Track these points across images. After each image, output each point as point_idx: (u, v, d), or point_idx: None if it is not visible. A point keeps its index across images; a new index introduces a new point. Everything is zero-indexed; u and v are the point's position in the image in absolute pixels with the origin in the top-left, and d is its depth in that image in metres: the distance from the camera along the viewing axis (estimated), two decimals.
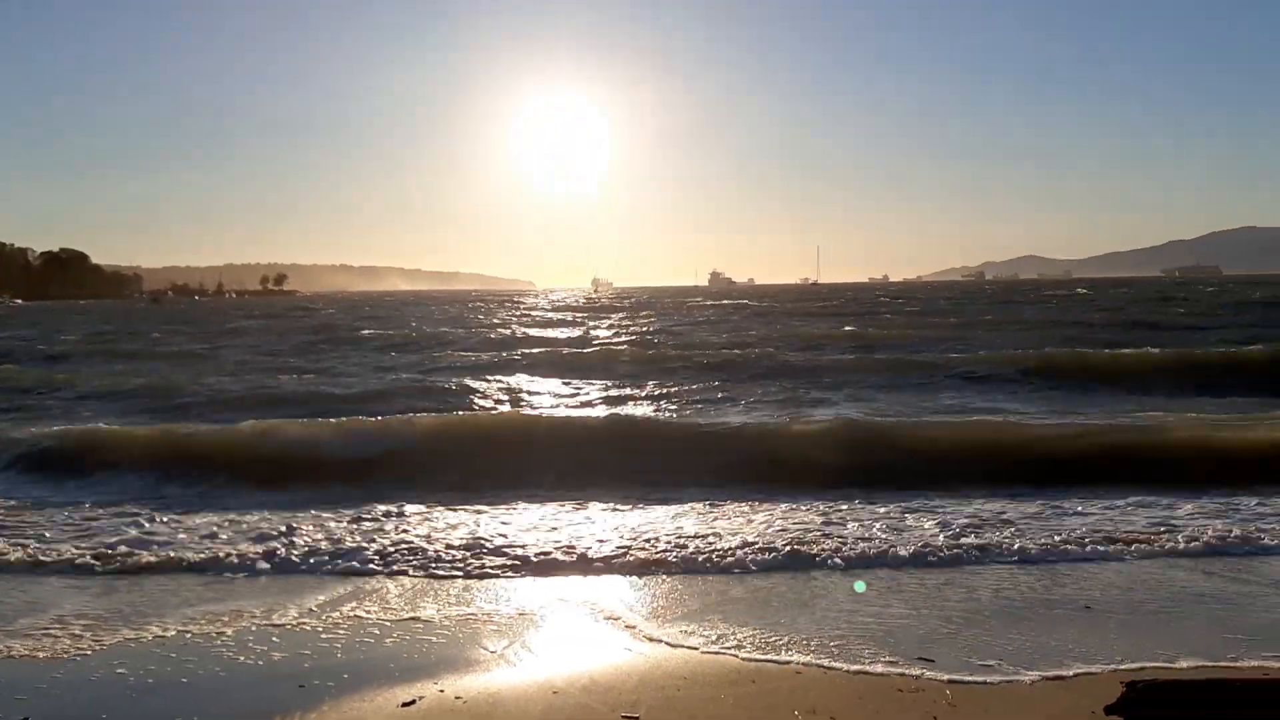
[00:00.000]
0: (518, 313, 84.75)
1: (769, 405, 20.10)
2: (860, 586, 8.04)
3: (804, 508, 10.88)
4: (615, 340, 42.26)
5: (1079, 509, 10.73)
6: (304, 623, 7.37)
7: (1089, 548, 9.18)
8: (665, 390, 23.12)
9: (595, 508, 11.14)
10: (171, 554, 9.24)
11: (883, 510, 10.72)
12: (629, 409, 19.83)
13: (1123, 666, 6.17)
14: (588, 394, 22.99)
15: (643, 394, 22.76)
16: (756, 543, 9.29)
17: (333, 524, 10.37)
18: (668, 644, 6.79)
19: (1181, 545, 9.20)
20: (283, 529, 10.07)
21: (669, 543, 9.41)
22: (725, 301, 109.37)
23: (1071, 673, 6.14)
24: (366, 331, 50.89)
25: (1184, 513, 10.45)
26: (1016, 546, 9.21)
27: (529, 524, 10.39)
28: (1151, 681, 5.13)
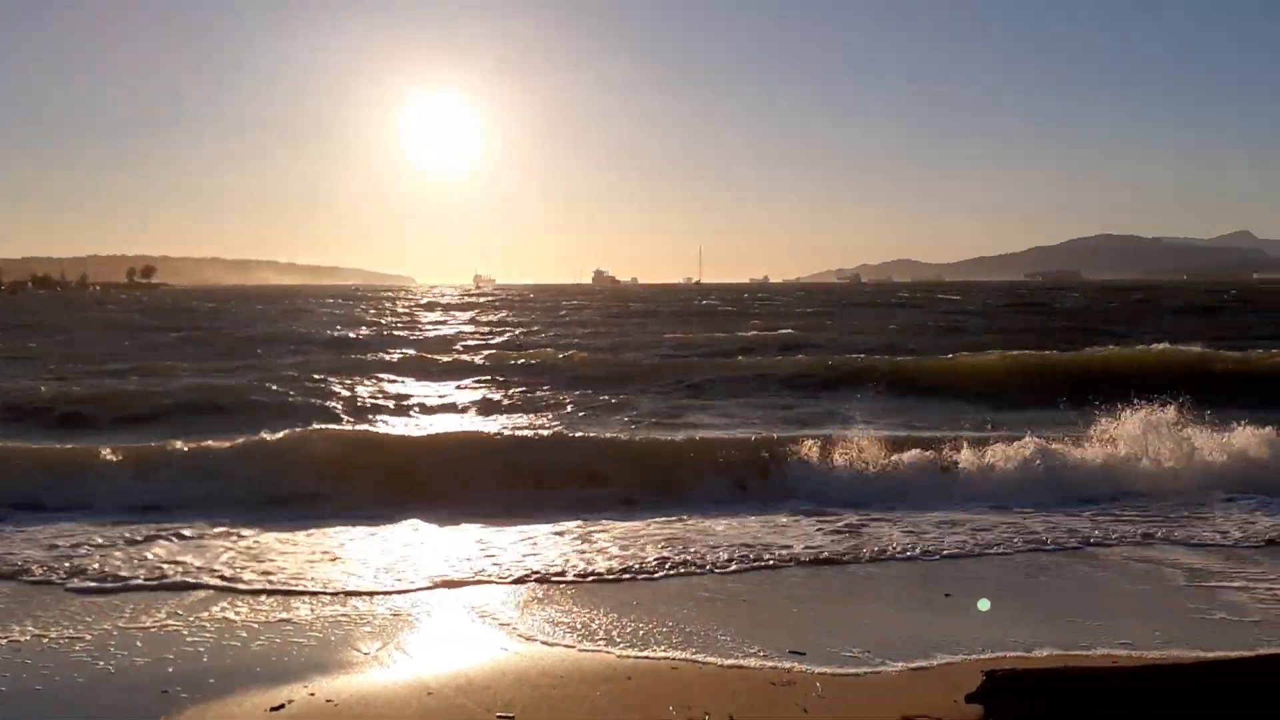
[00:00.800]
0: (386, 309, 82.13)
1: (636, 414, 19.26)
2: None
3: (676, 517, 10.79)
4: (476, 343, 41.20)
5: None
6: (168, 625, 7.13)
7: (947, 542, 9.52)
8: (523, 398, 21.50)
9: (461, 519, 10.76)
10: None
11: (754, 519, 10.74)
12: (485, 418, 19.02)
13: (983, 656, 6.41)
14: (441, 400, 21.35)
15: (503, 401, 21.20)
16: (636, 545, 9.33)
17: (186, 531, 10.04)
18: (544, 643, 6.79)
19: (1019, 543, 9.63)
20: (139, 538, 9.71)
21: (547, 548, 9.38)
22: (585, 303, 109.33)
23: (935, 662, 6.35)
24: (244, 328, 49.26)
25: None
26: (886, 543, 9.48)
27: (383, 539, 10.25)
28: (1009, 671, 5.34)
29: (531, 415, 19.16)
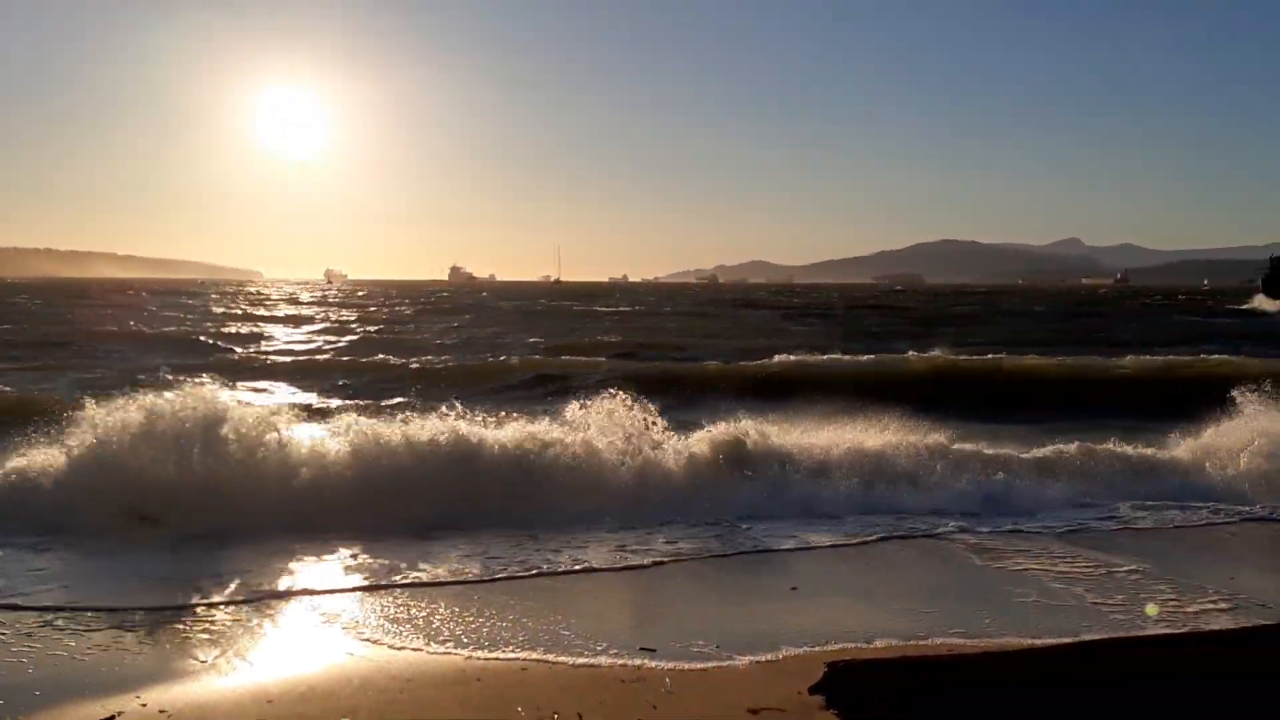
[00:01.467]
0: (221, 305, 77.59)
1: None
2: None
3: (525, 515, 10.64)
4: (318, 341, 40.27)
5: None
6: None
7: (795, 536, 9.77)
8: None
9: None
10: None
11: (606, 518, 10.71)
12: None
13: (827, 648, 6.58)
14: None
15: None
16: (481, 550, 9.22)
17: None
18: (390, 646, 6.65)
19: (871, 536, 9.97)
20: None
21: (394, 553, 9.17)
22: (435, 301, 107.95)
23: (781, 655, 6.49)
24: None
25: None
26: (734, 538, 9.66)
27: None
28: (850, 662, 5.50)
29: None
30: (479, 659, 6.41)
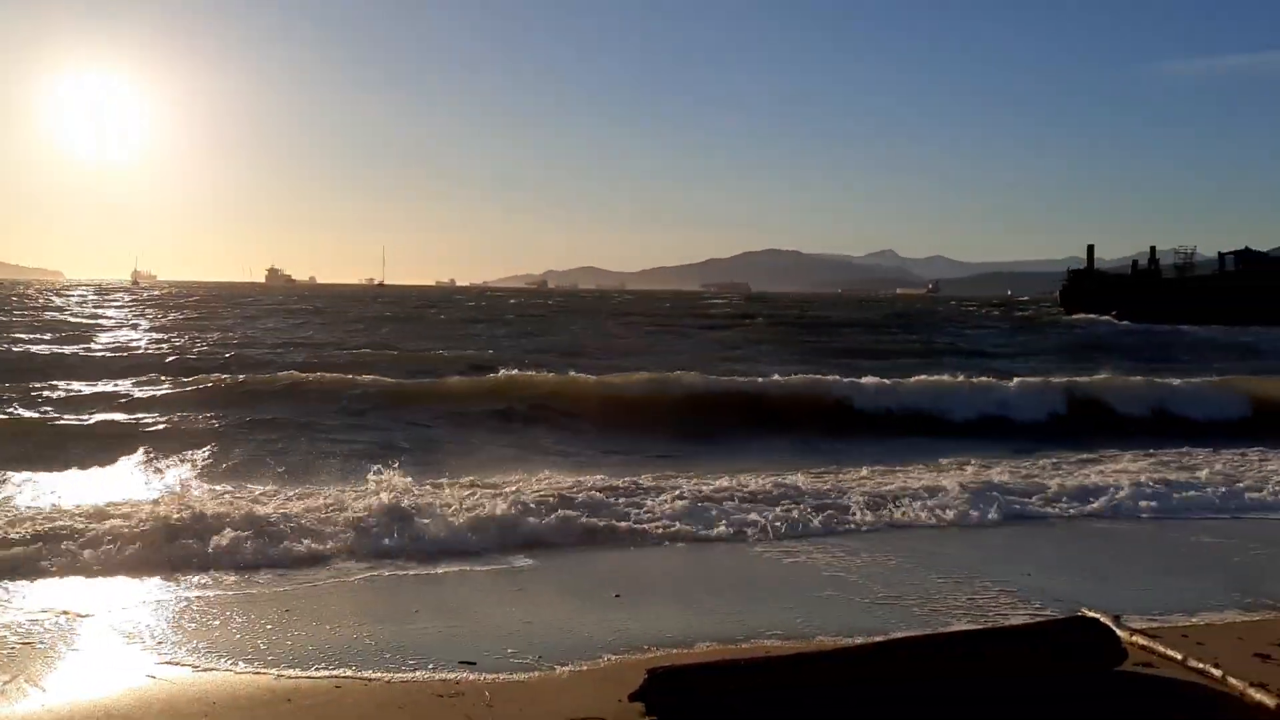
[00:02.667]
0: None
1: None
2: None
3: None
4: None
5: None
6: None
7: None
8: None
9: None
10: None
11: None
12: None
13: (648, 654, 6.63)
14: None
15: None
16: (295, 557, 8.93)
17: None
18: (195, 667, 6.33)
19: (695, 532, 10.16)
20: None
21: (197, 561, 8.77)
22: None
23: (603, 663, 6.50)
24: None
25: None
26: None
27: None
28: (670, 667, 5.54)
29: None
30: (289, 678, 6.17)
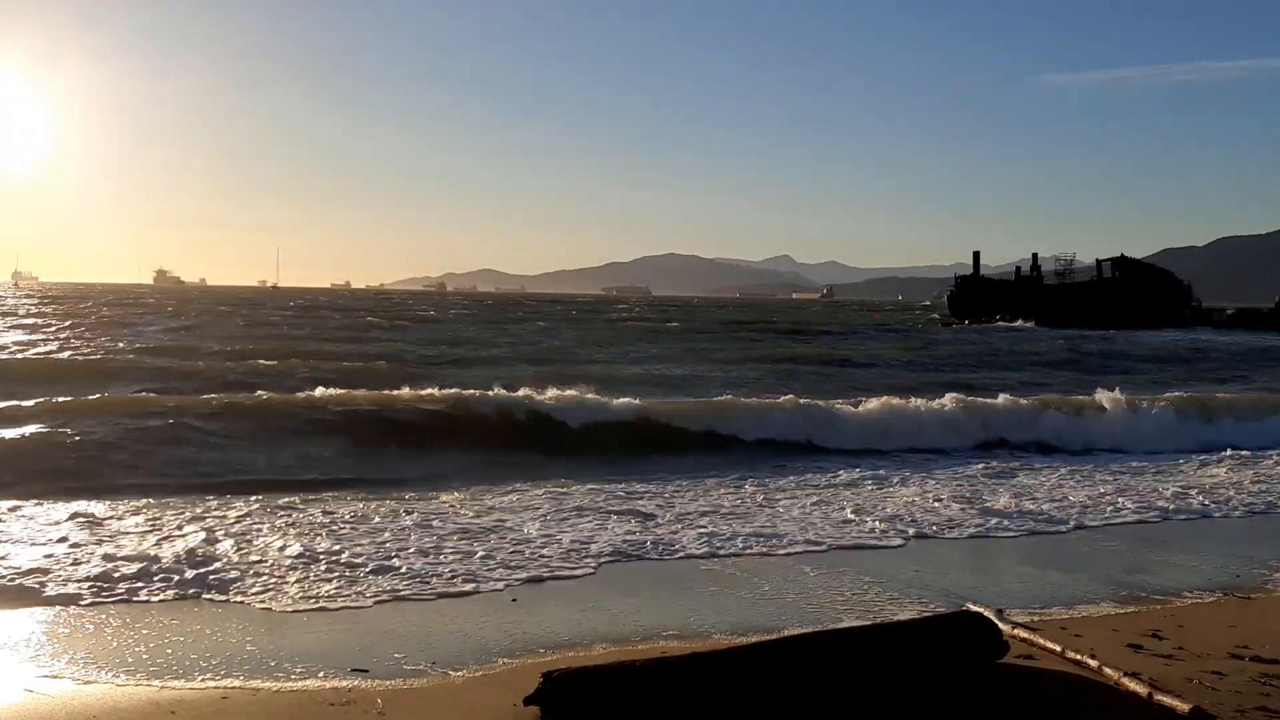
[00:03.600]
0: None
1: None
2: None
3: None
4: None
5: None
6: None
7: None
8: None
9: None
10: None
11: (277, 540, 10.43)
12: None
13: (545, 657, 6.61)
14: None
15: None
16: (165, 568, 8.64)
17: None
18: (76, 680, 6.09)
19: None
20: None
21: (70, 573, 8.43)
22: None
23: (499, 668, 6.46)
24: None
25: None
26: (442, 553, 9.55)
27: None
28: (565, 671, 5.52)
29: None
30: (174, 689, 5.98)
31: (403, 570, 8.75)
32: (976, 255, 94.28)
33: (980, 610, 6.79)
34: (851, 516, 11.51)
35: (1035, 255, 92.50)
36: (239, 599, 7.91)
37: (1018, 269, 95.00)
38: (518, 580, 8.65)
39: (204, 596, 7.96)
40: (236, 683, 6.11)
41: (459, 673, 6.35)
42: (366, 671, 6.31)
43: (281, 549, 9.26)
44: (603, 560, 9.42)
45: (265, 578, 8.42)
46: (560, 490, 12.68)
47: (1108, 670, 5.95)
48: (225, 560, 8.84)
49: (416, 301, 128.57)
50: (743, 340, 52.51)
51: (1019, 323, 76.35)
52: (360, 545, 9.52)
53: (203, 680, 6.14)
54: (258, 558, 8.98)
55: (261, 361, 27.69)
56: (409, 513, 11.01)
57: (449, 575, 8.67)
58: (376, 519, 10.66)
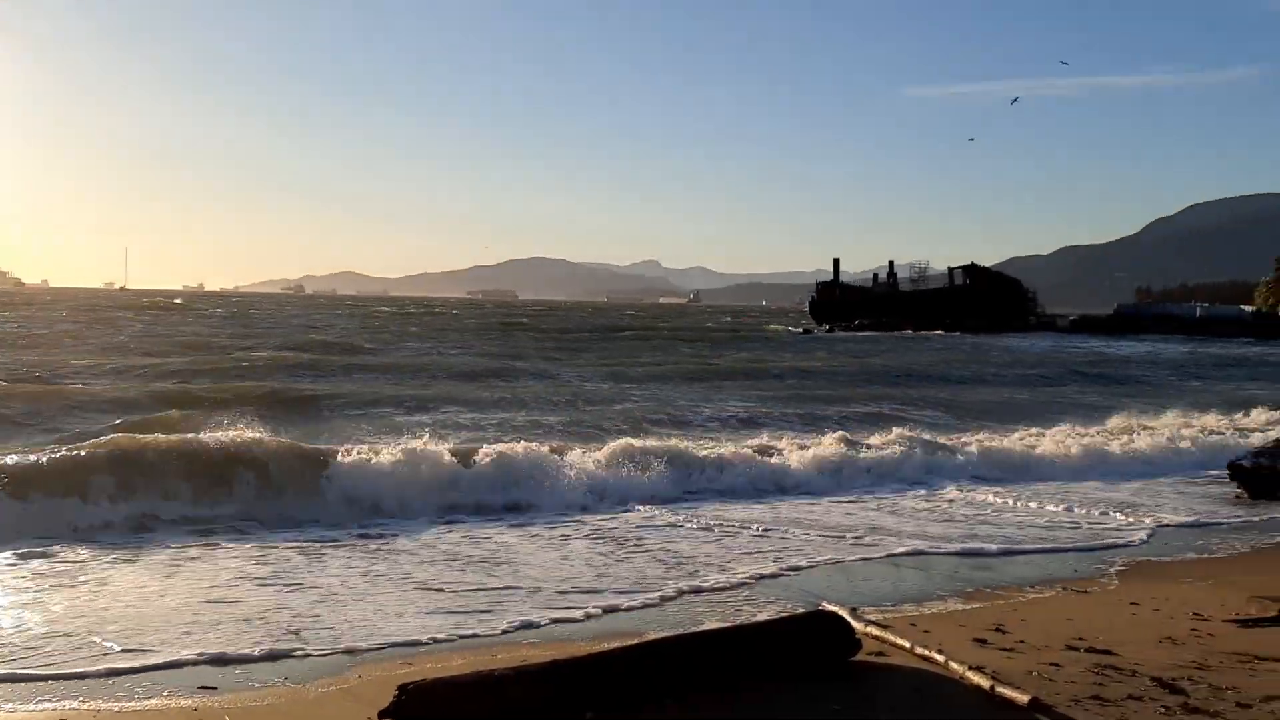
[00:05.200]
0: None
1: None
2: None
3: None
4: None
5: None
6: None
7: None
8: None
9: None
10: None
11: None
12: None
13: (400, 670, 6.47)
14: None
15: None
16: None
17: None
18: None
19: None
20: None
21: None
22: None
23: (353, 680, 6.31)
24: None
25: None
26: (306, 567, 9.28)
27: None
28: (421, 683, 5.43)
29: None
30: (6, 712, 5.66)
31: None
32: (836, 262, 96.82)
33: (835, 609, 6.97)
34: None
35: (892, 263, 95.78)
36: None
37: (875, 276, 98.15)
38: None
39: None
40: (75, 704, 5.82)
41: (314, 686, 6.19)
42: (214, 689, 6.09)
43: None
44: None
45: None
46: None
47: (954, 665, 6.17)
48: None
49: (276, 305, 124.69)
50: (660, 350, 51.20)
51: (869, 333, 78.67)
52: None
53: (38, 704, 5.83)
54: None
55: None
56: None
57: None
58: None
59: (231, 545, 9.94)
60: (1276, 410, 24.76)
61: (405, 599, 8.26)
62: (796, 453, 15.46)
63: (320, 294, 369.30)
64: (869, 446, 16.41)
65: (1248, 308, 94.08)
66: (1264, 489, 14.44)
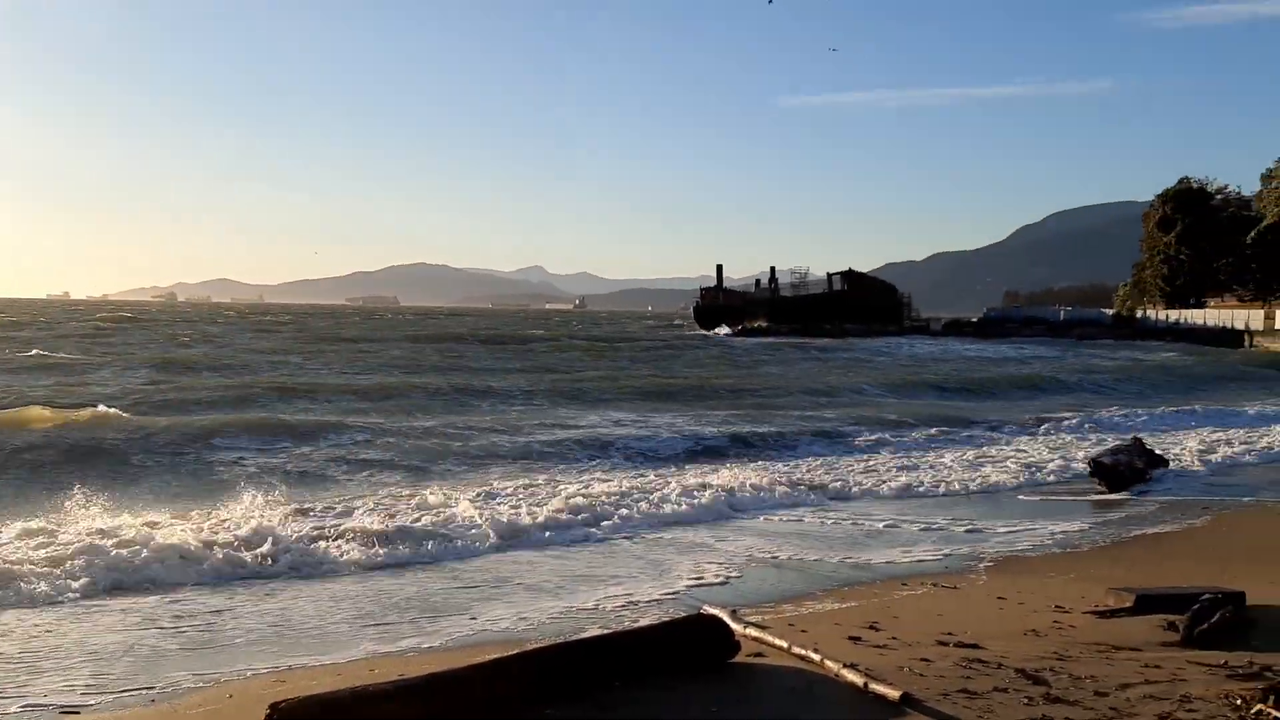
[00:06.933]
0: None
1: None
2: None
3: None
4: None
5: None
6: None
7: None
8: None
9: None
10: None
11: None
12: None
13: (275, 687, 6.31)
14: None
15: None
16: None
17: None
18: None
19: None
20: None
21: None
22: None
23: (225, 703, 6.13)
24: None
25: None
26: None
27: None
28: (292, 700, 5.30)
29: None
30: None
31: None
32: (719, 268, 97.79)
33: (715, 612, 7.05)
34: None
35: (773, 269, 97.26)
36: None
37: (757, 281, 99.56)
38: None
39: None
40: None
41: (185, 704, 5.99)
42: (77, 712, 5.85)
43: None
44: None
45: None
46: None
47: (829, 663, 6.30)
48: None
49: (140, 314, 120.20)
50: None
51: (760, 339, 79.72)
52: None
53: None
54: None
55: None
56: None
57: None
58: None
59: None
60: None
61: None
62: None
63: (193, 302, 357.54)
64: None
65: (1108, 311, 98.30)
66: (1121, 483, 15.17)
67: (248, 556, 9.71)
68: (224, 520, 10.94)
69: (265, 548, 9.86)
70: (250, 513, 11.21)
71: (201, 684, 6.43)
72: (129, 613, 8.12)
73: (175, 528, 10.46)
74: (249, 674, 6.67)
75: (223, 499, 12.13)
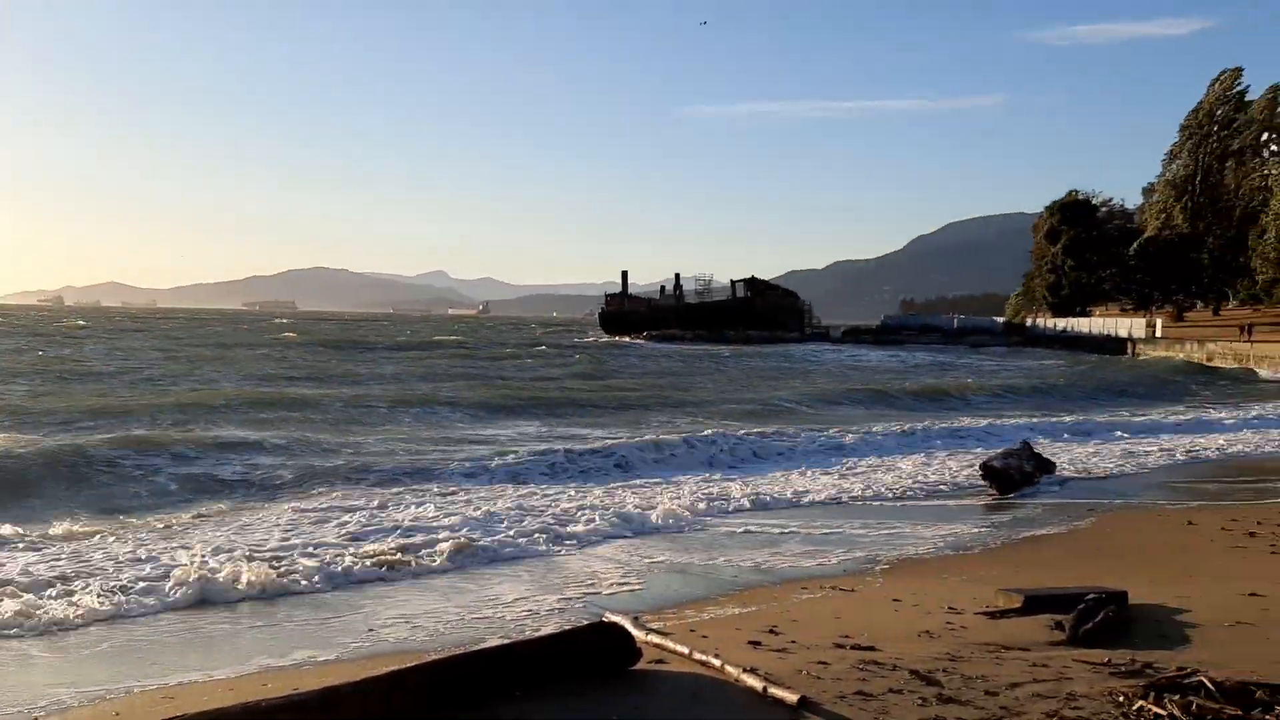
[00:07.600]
0: None
1: None
2: None
3: None
4: None
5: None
6: None
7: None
8: None
9: None
10: None
11: None
12: None
13: (160, 706, 6.12)
14: None
15: None
16: None
17: None
18: None
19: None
20: None
21: None
22: None
23: (113, 715, 5.93)
24: None
25: None
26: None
27: None
28: (186, 716, 5.15)
29: None
30: None
31: None
32: (625, 275, 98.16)
33: (616, 619, 7.04)
34: None
35: (678, 275, 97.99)
36: None
37: (662, 288, 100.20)
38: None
39: None
40: None
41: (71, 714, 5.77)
42: None
43: None
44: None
45: None
46: None
47: (729, 669, 6.34)
48: None
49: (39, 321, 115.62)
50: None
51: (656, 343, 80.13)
52: None
53: None
54: None
55: None
56: None
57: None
58: None
59: None
60: None
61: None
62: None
63: (81, 306, 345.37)
64: None
65: (999, 319, 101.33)
66: (1011, 486, 15.64)
67: None
68: None
69: None
70: None
71: (84, 701, 6.21)
72: None
73: None
74: (137, 690, 6.46)
75: None
